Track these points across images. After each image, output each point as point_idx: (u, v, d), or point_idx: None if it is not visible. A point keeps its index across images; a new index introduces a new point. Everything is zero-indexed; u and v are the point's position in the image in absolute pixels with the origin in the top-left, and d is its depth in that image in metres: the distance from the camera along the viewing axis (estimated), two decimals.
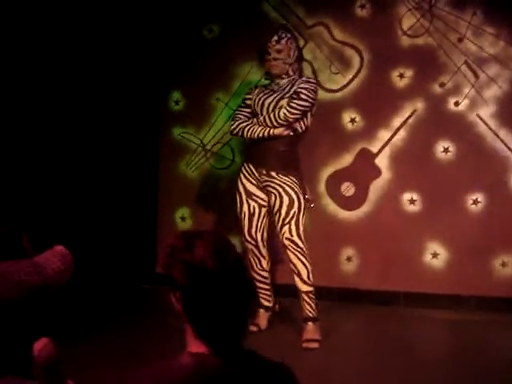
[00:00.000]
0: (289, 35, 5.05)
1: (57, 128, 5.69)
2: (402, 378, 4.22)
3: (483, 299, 5.64)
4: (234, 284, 1.72)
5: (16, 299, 1.62)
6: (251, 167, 4.98)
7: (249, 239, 5.02)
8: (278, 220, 4.88)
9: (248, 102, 5.09)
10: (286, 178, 4.86)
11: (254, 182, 5.00)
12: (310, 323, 4.82)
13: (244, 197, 5.02)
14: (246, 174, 5.01)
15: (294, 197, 4.85)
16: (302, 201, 4.86)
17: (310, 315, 4.82)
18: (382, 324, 5.41)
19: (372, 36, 5.92)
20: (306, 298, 4.82)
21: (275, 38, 4.96)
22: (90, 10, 5.81)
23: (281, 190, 4.86)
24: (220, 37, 6.19)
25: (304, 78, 4.97)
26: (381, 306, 5.76)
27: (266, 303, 5.14)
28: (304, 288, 4.84)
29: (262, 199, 5.02)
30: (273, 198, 4.90)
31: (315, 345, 4.75)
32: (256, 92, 5.09)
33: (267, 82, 5.11)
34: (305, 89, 4.81)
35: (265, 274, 5.09)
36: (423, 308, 5.67)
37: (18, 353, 1.66)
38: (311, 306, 4.82)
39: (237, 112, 5.14)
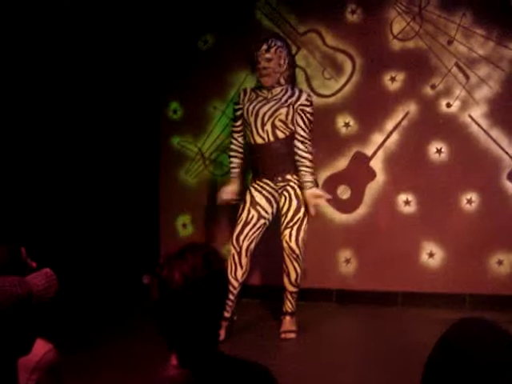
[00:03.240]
0: (279, 43, 5.10)
1: (58, 138, 5.83)
2: (399, 378, 4.28)
3: (480, 297, 5.71)
4: (199, 302, 1.79)
5: (0, 308, 1.72)
6: (265, 181, 5.13)
7: (234, 244, 5.09)
8: (283, 222, 5.12)
9: (237, 113, 5.27)
10: (298, 178, 5.09)
11: (264, 193, 5.15)
12: (287, 317, 5.20)
13: (247, 205, 5.14)
14: (258, 187, 5.16)
15: (303, 201, 5.08)
16: None
17: (289, 310, 5.20)
18: (380, 324, 5.50)
19: (363, 41, 6.00)
20: (288, 295, 5.17)
21: (264, 47, 5.05)
22: (88, 24, 5.94)
23: (292, 192, 5.08)
24: (215, 46, 6.29)
25: (304, 96, 5.13)
26: (379, 306, 5.84)
27: (225, 313, 5.18)
28: (289, 288, 5.16)
29: (265, 211, 5.14)
30: (283, 200, 5.11)
31: (292, 335, 5.15)
32: (247, 98, 5.17)
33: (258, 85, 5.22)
34: (310, 114, 5.09)
35: (235, 283, 5.05)
36: (420, 307, 5.75)
37: (2, 360, 1.76)
38: (291, 303, 5.19)
39: (231, 131, 5.42)
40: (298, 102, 5.06)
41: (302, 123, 5.06)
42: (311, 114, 5.10)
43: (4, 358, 1.76)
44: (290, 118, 5.07)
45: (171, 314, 1.79)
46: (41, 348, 2.42)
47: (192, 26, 6.30)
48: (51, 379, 2.51)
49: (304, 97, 5.11)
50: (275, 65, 5.05)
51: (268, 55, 5.04)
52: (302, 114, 5.06)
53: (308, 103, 5.10)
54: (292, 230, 5.07)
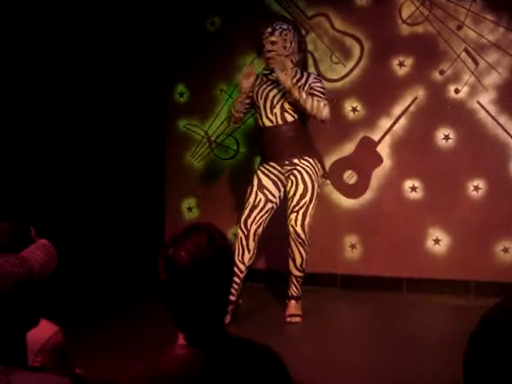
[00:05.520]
0: (284, 26, 5.06)
1: (66, 123, 5.82)
2: (404, 363, 4.29)
3: (485, 284, 5.69)
4: (206, 279, 1.80)
5: (2, 290, 1.70)
6: (273, 164, 5.12)
7: (242, 227, 5.06)
8: (289, 206, 5.10)
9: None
10: (305, 163, 5.06)
11: (272, 177, 5.14)
12: (292, 301, 5.19)
13: (255, 189, 5.13)
14: (265, 171, 5.15)
15: (309, 185, 5.05)
16: (316, 189, 5.08)
17: (294, 294, 5.20)
18: (384, 309, 5.49)
19: (372, 25, 5.96)
20: (294, 280, 5.17)
21: (269, 30, 5.03)
22: (95, 5, 5.91)
23: (299, 176, 5.04)
24: (222, 29, 6.26)
25: (312, 76, 5.13)
26: (384, 291, 5.85)
27: (230, 296, 5.14)
28: (295, 273, 5.16)
29: (272, 194, 5.13)
30: (289, 184, 5.09)
31: (297, 319, 5.14)
32: (257, 83, 5.16)
33: (267, 72, 5.19)
34: (320, 87, 5.04)
35: (242, 267, 5.04)
36: (425, 293, 5.75)
37: (8, 342, 1.74)
38: (296, 288, 5.19)
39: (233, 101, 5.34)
40: (307, 84, 5.03)
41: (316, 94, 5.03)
42: (321, 87, 5.06)
43: (12, 333, 1.75)
44: None
45: (179, 292, 1.80)
46: (47, 330, 2.42)
47: (199, 8, 6.27)
48: (57, 361, 2.51)
49: (312, 77, 5.12)
50: (280, 48, 5.02)
51: (272, 38, 5.01)
52: (313, 90, 5.01)
53: (317, 80, 5.09)
54: (298, 214, 5.05)
